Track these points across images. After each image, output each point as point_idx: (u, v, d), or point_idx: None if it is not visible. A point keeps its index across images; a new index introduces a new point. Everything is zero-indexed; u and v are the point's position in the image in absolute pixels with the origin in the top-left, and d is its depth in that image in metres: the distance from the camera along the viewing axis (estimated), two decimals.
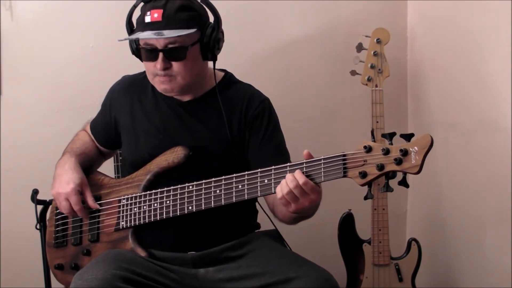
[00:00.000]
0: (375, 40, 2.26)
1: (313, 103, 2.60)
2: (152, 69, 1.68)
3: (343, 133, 2.60)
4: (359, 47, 2.29)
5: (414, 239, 2.26)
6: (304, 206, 1.48)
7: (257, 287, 1.60)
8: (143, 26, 1.64)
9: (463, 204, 2.33)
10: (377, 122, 2.24)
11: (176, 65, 1.65)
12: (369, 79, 2.26)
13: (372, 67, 2.26)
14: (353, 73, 2.30)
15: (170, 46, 1.63)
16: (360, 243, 2.26)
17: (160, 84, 1.70)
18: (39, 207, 1.86)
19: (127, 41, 1.74)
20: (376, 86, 2.26)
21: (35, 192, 1.84)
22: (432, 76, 2.50)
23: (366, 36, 2.28)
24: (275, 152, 1.73)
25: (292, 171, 1.47)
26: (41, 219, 1.86)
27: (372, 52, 2.26)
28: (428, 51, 2.53)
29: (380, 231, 2.23)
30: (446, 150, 2.36)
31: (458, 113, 2.33)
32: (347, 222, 2.26)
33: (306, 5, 2.53)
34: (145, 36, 1.62)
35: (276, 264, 1.63)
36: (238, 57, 2.43)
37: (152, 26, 1.62)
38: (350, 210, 2.27)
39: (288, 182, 1.45)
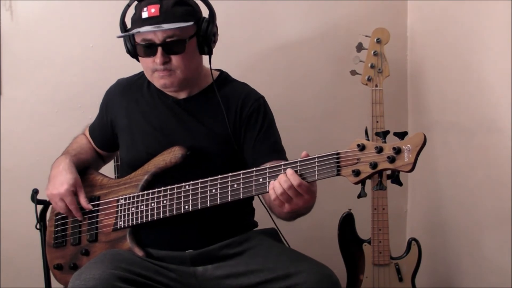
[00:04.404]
0: (375, 40, 2.25)
1: (313, 103, 2.59)
2: (151, 65, 1.69)
3: (343, 133, 2.59)
4: (359, 47, 2.28)
5: (414, 239, 2.25)
6: (298, 206, 1.48)
7: (256, 283, 1.61)
8: (141, 22, 1.65)
9: (463, 204, 2.32)
10: (377, 122, 2.23)
11: (175, 59, 1.67)
12: (369, 79, 2.26)
13: (372, 67, 2.26)
14: (353, 73, 2.30)
15: (169, 40, 1.64)
16: (360, 243, 2.25)
17: (159, 80, 1.71)
18: (39, 207, 1.86)
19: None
20: (376, 86, 2.26)
21: (35, 192, 1.85)
22: (432, 76, 2.49)
23: (366, 36, 2.28)
24: (270, 150, 1.73)
25: (286, 170, 1.46)
26: (41, 219, 1.87)
27: (372, 52, 2.26)
28: (428, 51, 2.52)
29: (380, 231, 2.23)
30: (446, 150, 2.36)
31: (458, 113, 2.32)
32: (347, 222, 2.26)
33: (306, 5, 2.53)
34: (144, 30, 1.63)
35: (275, 260, 1.63)
36: (238, 57, 2.44)
37: (150, 21, 1.64)
38: (350, 210, 2.26)
39: (282, 182, 1.45)
